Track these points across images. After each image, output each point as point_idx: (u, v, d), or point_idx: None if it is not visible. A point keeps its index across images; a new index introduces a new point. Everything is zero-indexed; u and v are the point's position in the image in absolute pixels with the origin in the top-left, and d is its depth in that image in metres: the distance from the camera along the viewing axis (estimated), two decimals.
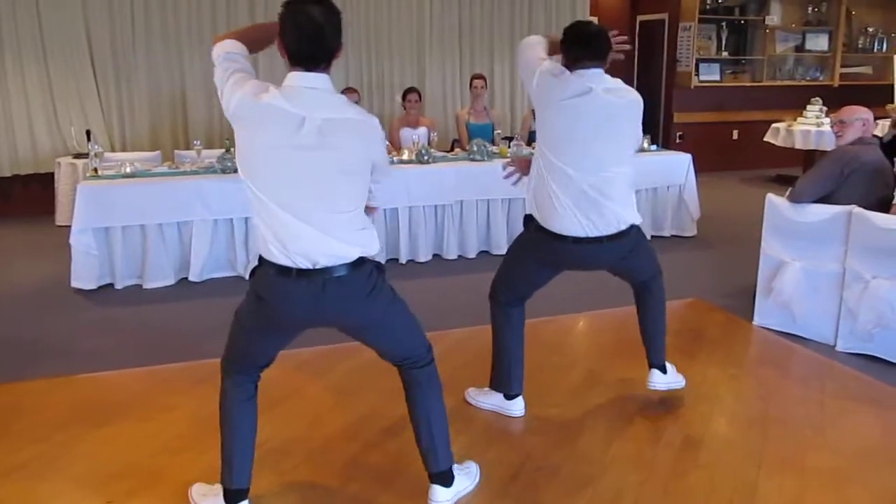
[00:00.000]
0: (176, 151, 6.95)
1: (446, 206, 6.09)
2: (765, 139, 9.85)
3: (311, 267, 2.30)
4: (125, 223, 5.36)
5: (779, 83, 10.90)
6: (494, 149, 6.54)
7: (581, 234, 3.01)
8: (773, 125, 9.76)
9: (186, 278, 5.54)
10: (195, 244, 5.49)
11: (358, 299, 2.40)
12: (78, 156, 7.41)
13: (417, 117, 7.26)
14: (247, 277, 5.37)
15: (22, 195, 7.92)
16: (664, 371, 3.43)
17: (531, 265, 3.23)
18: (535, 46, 3.13)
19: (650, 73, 10.85)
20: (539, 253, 3.16)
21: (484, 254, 6.27)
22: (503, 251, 6.16)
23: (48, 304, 5.11)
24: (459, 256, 6.19)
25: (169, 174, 5.77)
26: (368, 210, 2.53)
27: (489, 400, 3.46)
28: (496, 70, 9.36)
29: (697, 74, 10.35)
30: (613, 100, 2.96)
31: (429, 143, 6.72)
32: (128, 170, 5.71)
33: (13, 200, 7.93)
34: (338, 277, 2.33)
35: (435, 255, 6.18)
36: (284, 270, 2.31)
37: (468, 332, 4.35)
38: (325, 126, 2.23)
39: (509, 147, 6.63)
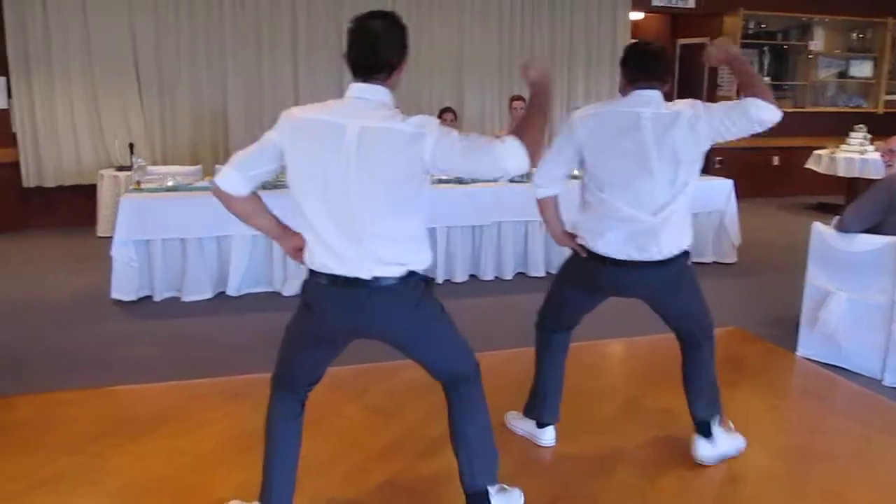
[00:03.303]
0: (216, 166, 6.99)
1: (484, 226, 6.06)
2: (806, 166, 9.69)
3: (358, 277, 2.28)
4: (165, 236, 5.42)
5: (821, 109, 10.74)
6: (533, 170, 6.48)
7: (623, 256, 2.92)
8: (815, 152, 9.60)
9: (224, 292, 5.57)
10: (234, 259, 5.52)
11: (403, 310, 2.36)
12: (121, 168, 7.52)
13: None
14: (284, 293, 5.44)
15: (65, 206, 8.04)
16: (708, 431, 3.15)
17: (573, 289, 3.17)
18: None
19: (690, 97, 10.66)
20: (583, 279, 3.09)
21: (520, 275, 6.23)
22: (540, 273, 6.17)
23: (87, 315, 5.16)
24: (496, 277, 6.16)
25: (209, 188, 5.79)
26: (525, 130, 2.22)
27: (523, 426, 3.41)
28: None
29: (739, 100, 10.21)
30: (663, 124, 2.85)
31: None
32: (169, 183, 5.78)
33: (57, 211, 8.05)
34: (384, 287, 2.30)
35: (471, 276, 6.14)
36: (332, 280, 2.30)
37: (507, 354, 4.30)
38: (365, 134, 2.20)
39: None
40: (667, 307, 3.12)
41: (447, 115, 7.20)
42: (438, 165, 2.24)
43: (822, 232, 4.27)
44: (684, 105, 2.88)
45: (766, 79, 10.48)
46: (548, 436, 3.32)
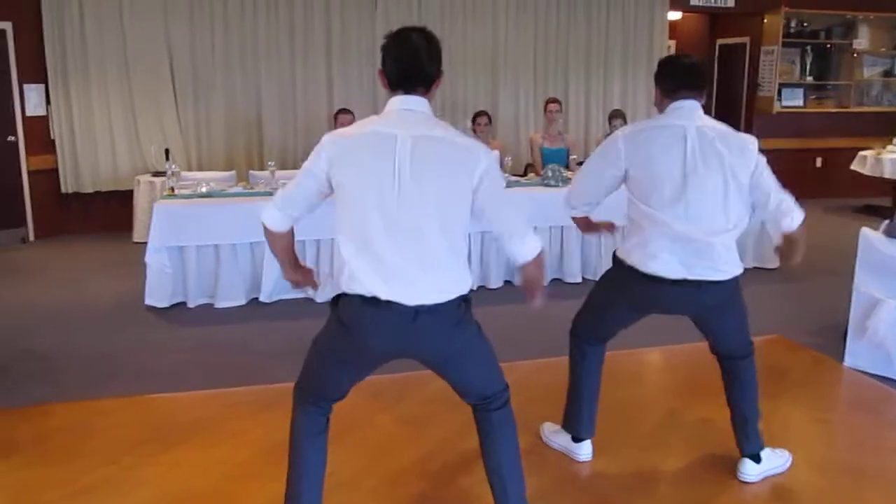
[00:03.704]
0: (250, 172, 7.02)
1: None
2: (851, 167, 9.46)
3: (403, 302, 2.22)
4: (199, 243, 5.42)
5: (866, 109, 10.48)
6: (569, 174, 6.41)
7: (677, 275, 2.82)
8: (861, 153, 9.37)
9: (257, 298, 5.56)
10: (267, 265, 5.50)
11: (446, 331, 2.32)
12: (156, 174, 7.56)
13: (487, 140, 7.19)
14: (318, 300, 5.41)
15: (102, 211, 8.12)
16: (758, 461, 3.08)
17: (618, 306, 3.06)
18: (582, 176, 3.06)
19: (730, 98, 10.57)
20: (629, 294, 2.98)
21: (556, 281, 6.13)
22: (577, 279, 6.07)
23: (122, 321, 5.18)
24: None
25: (243, 195, 5.81)
26: (526, 273, 2.42)
27: (559, 440, 3.32)
28: (571, 93, 9.23)
29: (780, 100, 10.03)
30: (709, 137, 2.78)
31: (501, 167, 6.61)
32: (203, 189, 5.78)
33: (94, 216, 8.13)
34: (429, 307, 2.24)
35: (506, 282, 6.06)
36: (371, 300, 2.23)
37: (539, 364, 4.23)
38: (419, 144, 2.20)
39: None
40: (713, 325, 3.04)
41: (481, 119, 7.15)
42: (479, 195, 2.27)
43: (871, 237, 4.13)
44: (749, 138, 2.86)
45: (809, 79, 10.28)
46: (584, 450, 3.23)
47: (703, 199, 2.78)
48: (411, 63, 2.27)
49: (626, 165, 2.83)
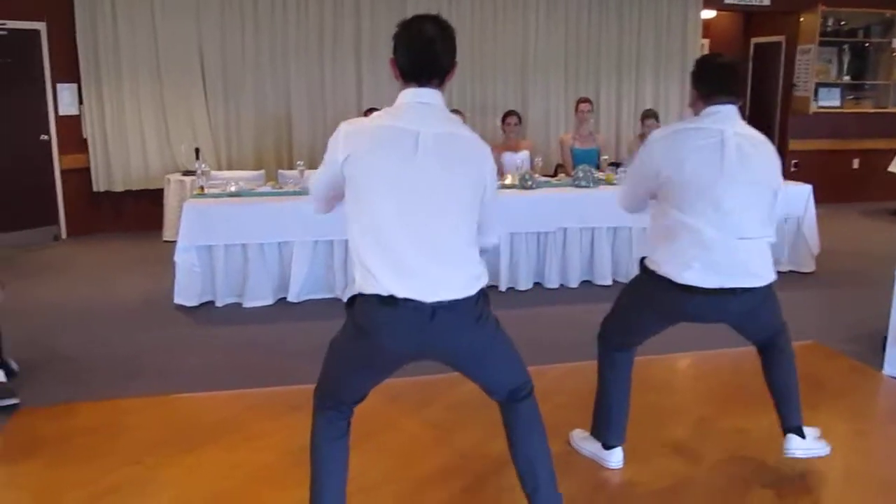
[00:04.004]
0: (279, 171, 7.02)
1: (549, 233, 5.90)
2: (889, 169, 9.25)
3: (421, 300, 2.17)
4: (227, 242, 5.41)
5: None
6: (600, 175, 6.31)
7: (713, 284, 2.74)
8: None
9: (285, 298, 5.55)
10: (295, 265, 5.49)
11: (466, 327, 2.26)
12: (186, 173, 7.60)
13: (518, 141, 7.12)
14: (344, 300, 5.36)
15: (132, 210, 8.20)
16: (802, 435, 3.01)
17: (649, 315, 2.98)
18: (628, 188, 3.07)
19: (764, 98, 10.39)
20: (661, 305, 2.90)
21: (586, 283, 6.05)
22: (607, 281, 5.98)
23: (151, 320, 5.20)
24: (561, 285, 5.98)
25: (272, 194, 5.80)
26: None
27: (588, 446, 3.24)
28: (602, 93, 9.13)
29: (816, 100, 9.84)
30: (746, 144, 2.73)
31: (532, 167, 6.54)
32: (232, 188, 5.78)
33: (125, 215, 8.21)
34: (448, 304, 2.19)
35: (536, 284, 5.99)
36: (389, 299, 2.18)
37: (568, 368, 4.15)
38: (439, 141, 2.18)
39: (616, 173, 6.39)
40: (749, 326, 3.00)
41: (511, 119, 7.07)
42: (486, 192, 2.31)
43: None
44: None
45: (846, 78, 10.07)
46: (615, 458, 3.15)
47: (738, 205, 2.71)
48: (426, 54, 2.22)
49: (661, 167, 2.77)
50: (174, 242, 5.48)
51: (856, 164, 10.26)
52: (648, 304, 2.96)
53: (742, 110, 2.85)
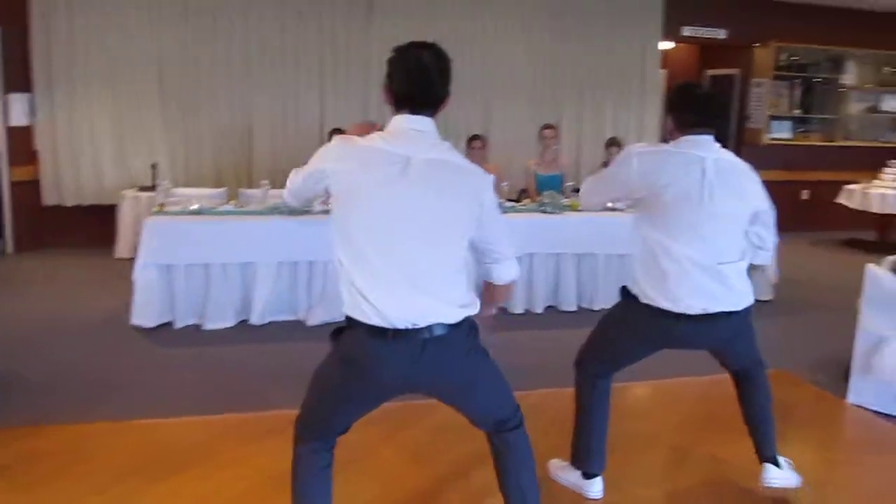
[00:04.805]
0: (241, 190, 6.88)
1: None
2: (836, 200, 9.51)
3: (409, 328, 2.12)
4: (190, 261, 5.26)
5: (852, 143, 10.57)
6: (566, 201, 6.33)
7: (697, 310, 2.77)
8: (846, 187, 9.40)
9: (246, 321, 5.41)
10: (258, 286, 5.36)
11: (456, 360, 2.23)
12: (143, 188, 7.40)
13: (482, 164, 7.11)
14: (308, 323, 5.26)
15: (83, 226, 7.90)
16: (778, 465, 3.08)
17: (635, 342, 2.98)
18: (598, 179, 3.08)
19: (719, 128, 10.57)
20: (644, 332, 2.91)
21: (551, 309, 6.05)
22: (572, 307, 5.99)
23: (109, 341, 5.02)
24: (526, 311, 5.97)
25: (236, 213, 5.67)
26: (497, 293, 2.44)
27: (567, 476, 3.20)
28: (564, 119, 9.20)
29: (769, 132, 10.09)
30: (726, 169, 2.79)
31: (497, 191, 6.51)
32: (194, 206, 5.63)
33: (74, 231, 7.91)
34: (438, 337, 2.15)
35: (500, 309, 5.94)
36: (379, 331, 2.13)
37: (541, 395, 4.12)
38: (430, 166, 2.14)
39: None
40: (729, 352, 3.04)
41: (476, 143, 7.06)
42: (483, 219, 2.25)
43: (878, 275, 4.08)
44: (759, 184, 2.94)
45: (797, 111, 10.36)
46: (596, 487, 3.12)
47: (720, 229, 2.76)
48: (422, 83, 2.20)
49: (637, 181, 2.78)
50: (129, 260, 5.34)
51: (805, 194, 10.53)
52: (633, 331, 2.95)
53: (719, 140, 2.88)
